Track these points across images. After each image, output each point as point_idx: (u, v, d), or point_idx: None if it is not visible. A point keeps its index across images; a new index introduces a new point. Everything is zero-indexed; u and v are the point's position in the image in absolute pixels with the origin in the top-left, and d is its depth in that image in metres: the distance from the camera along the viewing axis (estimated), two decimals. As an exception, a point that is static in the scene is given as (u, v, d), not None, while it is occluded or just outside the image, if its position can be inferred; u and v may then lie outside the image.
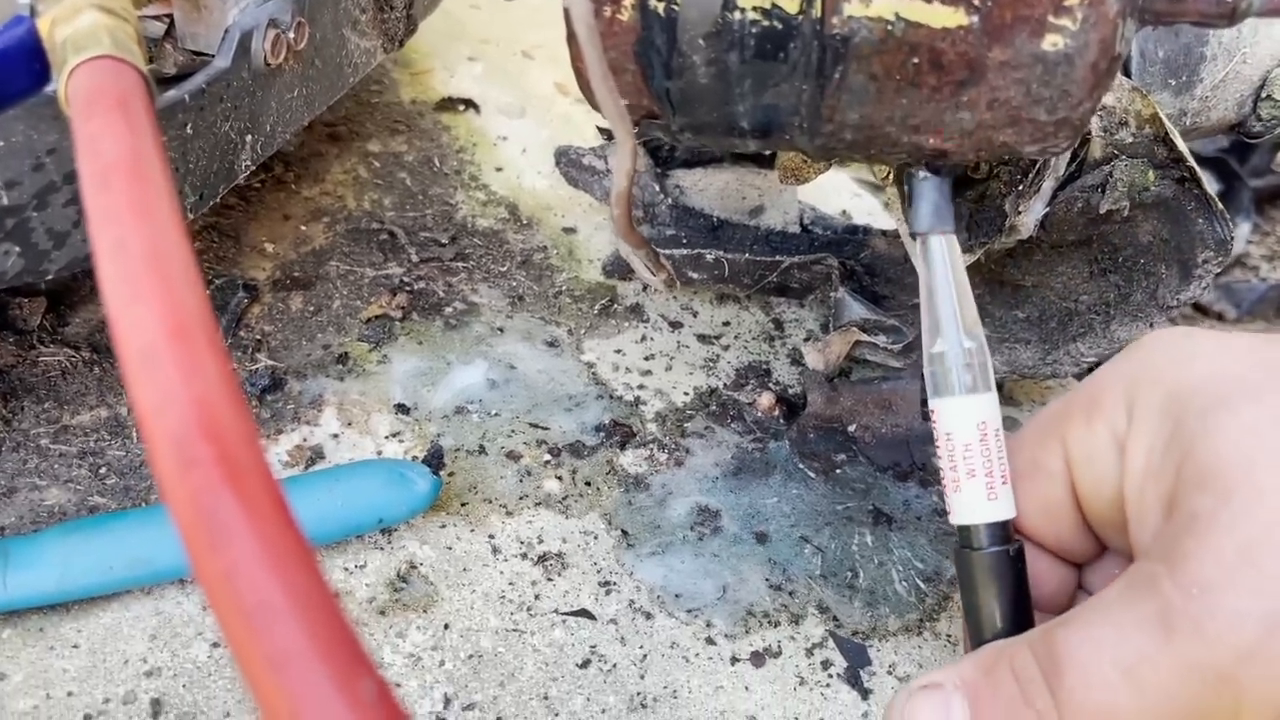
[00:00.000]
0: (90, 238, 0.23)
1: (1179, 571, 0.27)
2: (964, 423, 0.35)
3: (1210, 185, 0.85)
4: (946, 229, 0.37)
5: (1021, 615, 0.35)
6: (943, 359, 0.36)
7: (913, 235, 0.38)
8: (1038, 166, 0.44)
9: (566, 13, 0.33)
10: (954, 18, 0.32)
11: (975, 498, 0.35)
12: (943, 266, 0.36)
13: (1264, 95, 0.49)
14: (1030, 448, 0.35)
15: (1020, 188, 0.44)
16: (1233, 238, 0.44)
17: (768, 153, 0.55)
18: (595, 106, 0.35)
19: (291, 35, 0.47)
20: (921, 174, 0.37)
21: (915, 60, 0.33)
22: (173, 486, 0.18)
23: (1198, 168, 0.43)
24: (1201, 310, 0.80)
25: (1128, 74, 0.47)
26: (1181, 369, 0.31)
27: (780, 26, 0.34)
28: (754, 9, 0.33)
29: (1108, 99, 0.43)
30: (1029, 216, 0.45)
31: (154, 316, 0.20)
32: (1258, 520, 0.26)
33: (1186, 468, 0.29)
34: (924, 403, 0.55)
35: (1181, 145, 0.43)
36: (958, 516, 0.35)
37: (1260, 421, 0.28)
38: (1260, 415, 0.28)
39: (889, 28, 0.33)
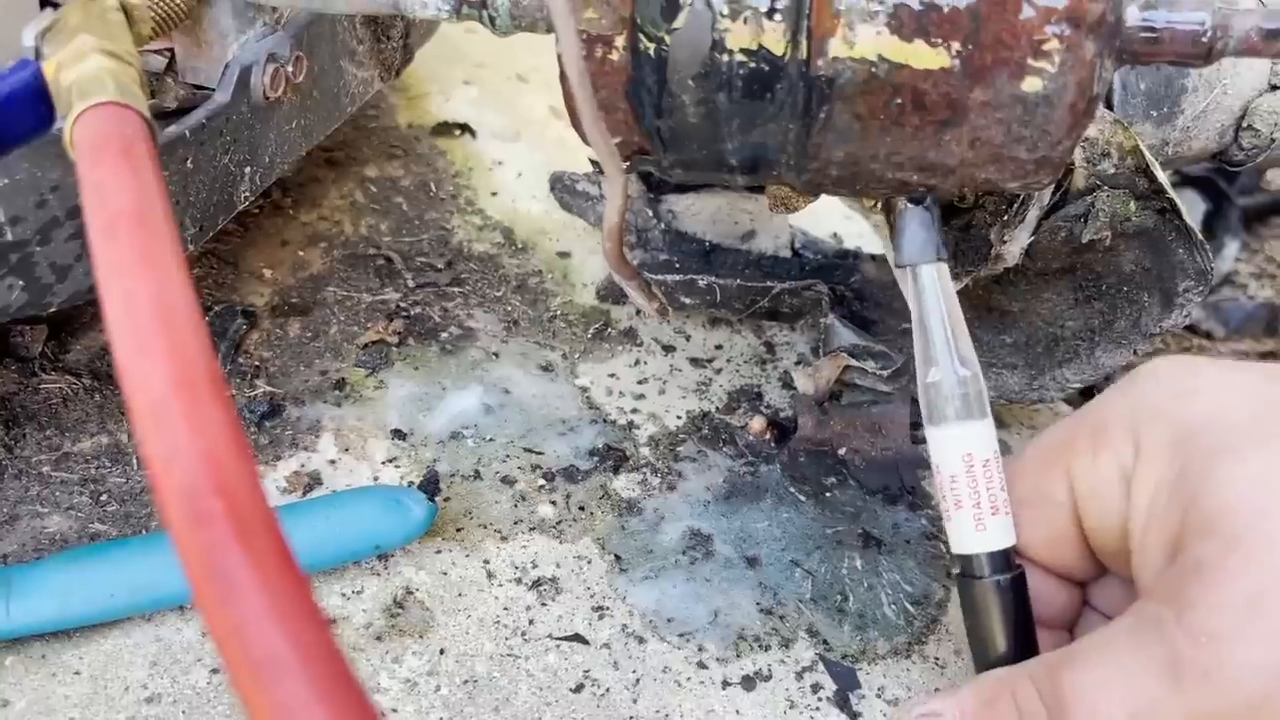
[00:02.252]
0: (98, 288, 0.23)
1: (1186, 618, 0.27)
2: (950, 454, 0.36)
3: (1198, 204, 0.86)
4: (934, 258, 0.38)
5: (1024, 640, 0.35)
6: (938, 388, 0.36)
7: (900, 266, 0.39)
8: (1022, 197, 0.45)
9: (559, 54, 0.34)
10: (936, 59, 0.33)
11: (965, 528, 0.35)
12: (934, 296, 0.37)
13: (1245, 125, 0.50)
14: (1034, 476, 0.35)
15: (1005, 217, 0.45)
16: (1213, 268, 0.45)
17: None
18: (587, 142, 0.36)
19: (290, 69, 0.48)
20: (906, 205, 0.38)
21: (899, 100, 0.34)
22: (184, 541, 0.19)
23: (1177, 199, 0.44)
24: (1190, 329, 0.81)
25: (1110, 106, 0.48)
26: (1186, 405, 0.31)
27: (767, 68, 0.35)
28: (742, 50, 0.34)
29: (1090, 131, 0.44)
30: (1014, 245, 0.46)
31: (161, 369, 0.21)
32: (1266, 569, 0.27)
33: (1192, 513, 0.29)
34: (914, 426, 0.56)
35: (1162, 177, 0.44)
36: (954, 545, 0.36)
37: (1268, 470, 0.28)
38: (1267, 463, 0.28)
39: (873, 69, 0.34)
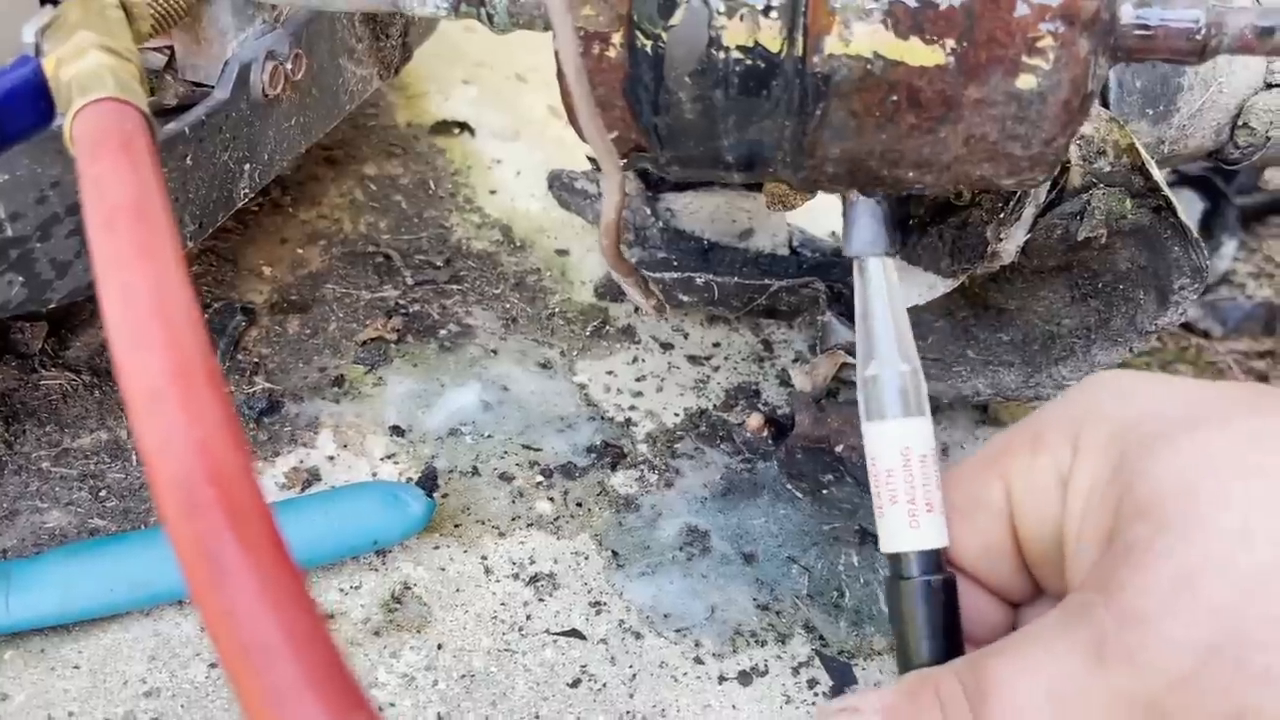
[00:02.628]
0: (96, 280, 0.24)
1: (1114, 600, 0.27)
2: (888, 448, 0.35)
3: (1196, 204, 0.86)
4: (883, 251, 0.37)
5: (951, 647, 0.34)
6: (876, 382, 0.35)
7: (848, 257, 0.38)
8: (1018, 195, 0.45)
9: (556, 51, 0.34)
10: (931, 57, 0.34)
11: (898, 525, 0.35)
12: (879, 289, 0.36)
13: (1241, 123, 0.50)
14: (971, 482, 0.34)
15: (1002, 215, 0.46)
16: (1208, 266, 0.45)
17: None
18: (584, 140, 0.36)
19: (289, 66, 0.48)
20: (856, 197, 0.37)
21: (894, 98, 0.34)
22: (177, 528, 0.19)
23: (1173, 197, 0.44)
24: (1188, 328, 0.81)
25: (1106, 104, 0.48)
26: (1124, 406, 0.31)
27: (763, 65, 0.35)
28: (738, 48, 0.35)
29: (1086, 129, 0.44)
30: (1010, 243, 0.46)
31: (158, 360, 0.21)
32: (1194, 550, 0.27)
33: (1126, 499, 0.29)
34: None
35: (1157, 175, 0.44)
36: (884, 544, 0.35)
37: (1198, 454, 0.28)
38: (1198, 448, 0.28)
39: (869, 66, 0.34)
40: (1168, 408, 0.30)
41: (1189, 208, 0.87)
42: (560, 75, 0.36)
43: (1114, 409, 0.31)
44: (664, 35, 0.35)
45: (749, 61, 0.35)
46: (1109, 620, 0.27)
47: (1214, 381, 0.32)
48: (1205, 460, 0.28)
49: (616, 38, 0.35)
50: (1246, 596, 0.26)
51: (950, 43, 0.33)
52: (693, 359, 0.59)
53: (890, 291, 0.36)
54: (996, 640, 0.33)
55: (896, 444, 0.35)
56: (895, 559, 0.35)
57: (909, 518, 0.34)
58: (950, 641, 0.34)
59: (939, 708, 0.30)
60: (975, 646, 0.34)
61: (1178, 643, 0.26)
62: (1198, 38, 0.34)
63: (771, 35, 0.34)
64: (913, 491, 0.34)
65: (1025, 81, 0.33)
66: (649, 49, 0.35)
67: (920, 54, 0.34)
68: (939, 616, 0.34)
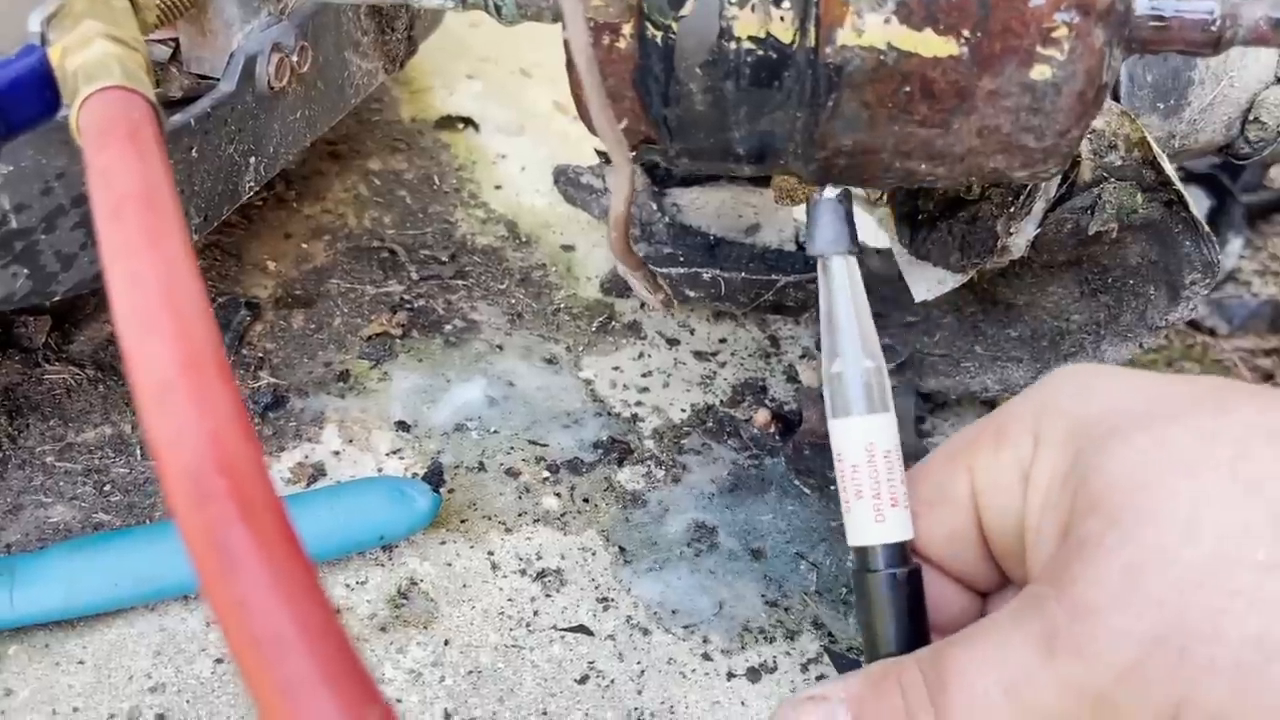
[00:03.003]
0: (104, 269, 0.23)
1: (1065, 594, 0.28)
2: (852, 444, 0.35)
3: (1202, 201, 0.86)
4: (845, 250, 0.37)
5: (917, 637, 0.35)
6: (841, 379, 0.36)
7: (811, 256, 0.38)
8: (1029, 189, 0.45)
9: (566, 42, 0.34)
10: (945, 48, 0.33)
11: (864, 519, 0.35)
12: (843, 287, 0.37)
13: (1252, 118, 0.50)
14: (937, 474, 0.35)
15: (1012, 209, 0.45)
16: (1219, 260, 0.45)
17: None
18: (593, 132, 0.36)
19: (295, 59, 0.48)
20: (819, 196, 0.38)
21: (907, 89, 0.34)
22: (187, 519, 0.19)
23: (1185, 191, 0.44)
24: (1194, 325, 0.81)
25: (1117, 98, 0.47)
26: (1085, 401, 0.31)
27: (775, 55, 0.34)
28: (749, 38, 0.34)
29: (1097, 123, 0.44)
30: (1020, 238, 0.46)
31: (167, 350, 0.21)
32: (1142, 543, 0.27)
33: (1080, 494, 0.29)
34: (919, 419, 0.56)
35: (1169, 169, 0.44)
36: (851, 537, 0.36)
37: (1150, 449, 0.28)
38: (1150, 443, 0.29)
39: (881, 57, 0.34)
40: (1126, 403, 0.31)
41: (1195, 205, 0.87)
42: (570, 66, 0.36)
43: (1074, 404, 0.32)
44: (674, 26, 0.34)
45: (760, 52, 0.34)
46: (1060, 613, 0.28)
47: (1180, 375, 0.32)
48: (1156, 455, 0.28)
49: (627, 28, 0.35)
50: (1191, 589, 0.26)
51: (964, 33, 0.33)
52: (699, 355, 0.59)
53: (854, 289, 0.37)
54: (961, 628, 0.34)
55: (861, 440, 0.35)
56: (862, 552, 0.35)
57: (874, 512, 0.35)
58: (916, 631, 0.35)
59: (900, 695, 0.31)
60: (944, 634, 0.35)
61: (1124, 634, 0.27)
62: (1213, 29, 0.34)
63: (783, 26, 0.34)
64: (878, 486, 0.35)
65: (1040, 72, 0.33)
66: (659, 40, 0.35)
67: (934, 45, 0.33)
68: (904, 607, 0.35)
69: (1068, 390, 0.32)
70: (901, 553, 0.35)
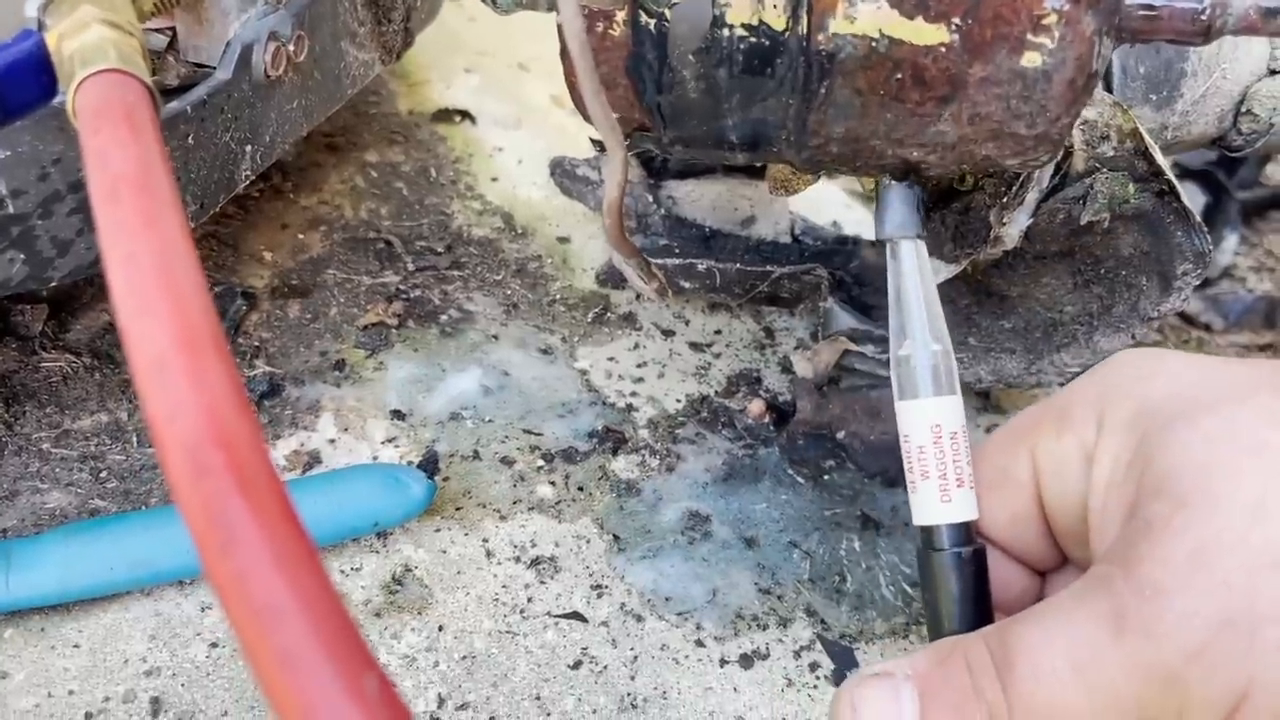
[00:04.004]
0: (101, 249, 0.24)
1: (1133, 573, 0.28)
2: (919, 425, 0.36)
3: (1197, 198, 0.86)
4: (914, 234, 0.38)
5: (981, 616, 0.35)
6: (908, 362, 0.36)
7: (880, 240, 0.39)
8: (1021, 179, 0.45)
9: (560, 29, 0.34)
10: (936, 35, 0.34)
11: (930, 499, 0.36)
12: (911, 271, 0.37)
13: (1244, 110, 0.50)
14: (999, 455, 0.35)
15: (1005, 199, 0.45)
16: (1210, 250, 0.45)
17: (758, 164, 0.56)
18: (588, 119, 0.36)
19: (291, 48, 0.48)
20: (889, 181, 0.38)
21: (899, 76, 0.34)
22: (185, 493, 0.19)
23: (1176, 181, 0.44)
24: (1189, 321, 0.81)
25: (1109, 89, 0.48)
26: (1149, 384, 0.32)
27: (768, 43, 0.35)
28: (742, 26, 0.34)
29: (1089, 113, 0.44)
30: (1013, 228, 0.46)
31: (164, 327, 0.21)
32: (1210, 525, 0.27)
33: (1147, 477, 0.30)
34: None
35: (1161, 159, 0.44)
36: (917, 517, 0.36)
37: (1217, 432, 0.29)
38: (1217, 426, 0.29)
39: (873, 44, 0.34)
40: (1190, 386, 0.31)
41: (1191, 201, 0.87)
42: (564, 54, 0.36)
43: (1137, 387, 0.32)
44: (668, 13, 0.35)
45: (753, 40, 0.35)
46: (1128, 592, 0.28)
47: (1239, 359, 0.32)
48: (1223, 437, 0.29)
49: (620, 15, 0.35)
50: (1260, 570, 0.27)
51: (955, 20, 0.33)
52: (694, 345, 0.59)
53: (922, 273, 0.37)
54: (1022, 606, 0.34)
55: (928, 421, 0.36)
56: (927, 531, 0.36)
57: (940, 493, 0.35)
58: (979, 610, 0.35)
59: (968, 673, 0.31)
60: (1003, 613, 0.35)
61: (1193, 615, 0.27)
62: (1202, 18, 0.34)
63: (776, 13, 0.34)
64: (944, 467, 0.35)
65: (1030, 60, 0.33)
66: (653, 27, 0.35)
67: (925, 32, 0.33)
68: (969, 586, 0.35)
69: (1130, 374, 0.33)
70: (966, 532, 0.35)
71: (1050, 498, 0.34)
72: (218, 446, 0.20)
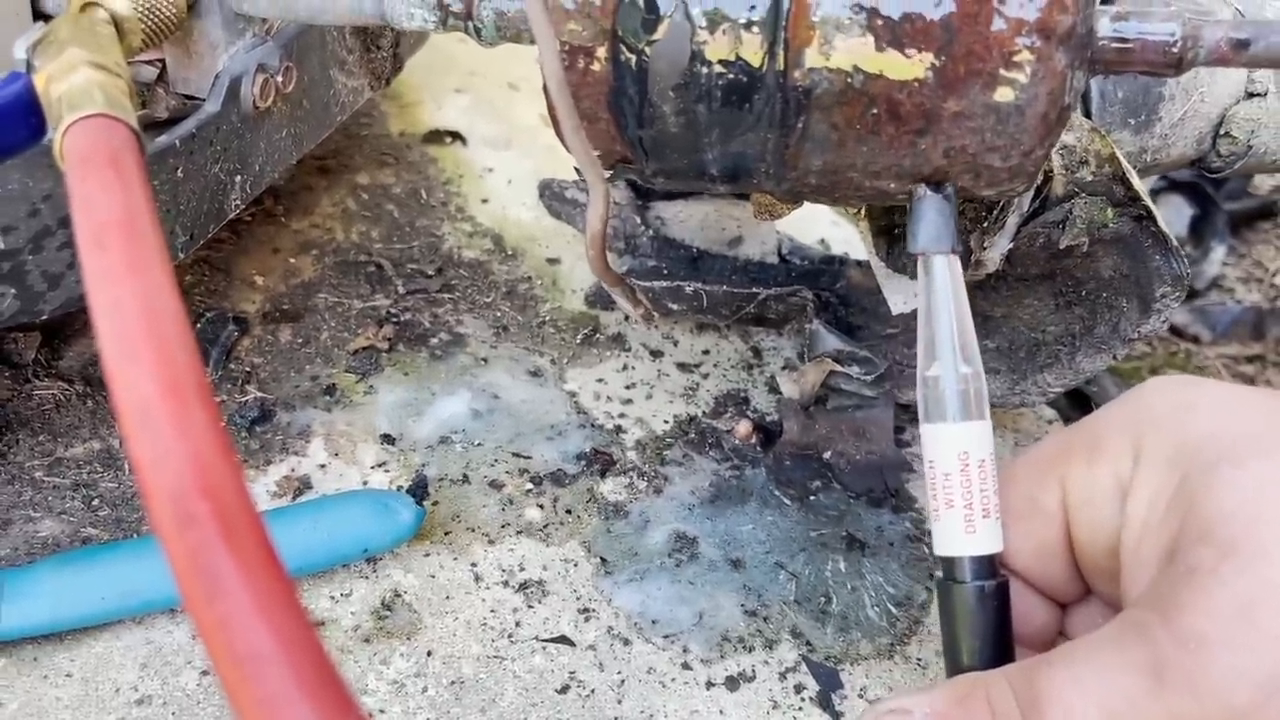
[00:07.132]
0: (88, 296, 0.24)
1: (1174, 622, 0.27)
2: (946, 452, 0.34)
3: (1185, 209, 0.86)
4: (946, 249, 0.36)
5: (1003, 652, 0.34)
6: (936, 384, 0.35)
7: (912, 254, 0.38)
8: (1001, 204, 0.45)
9: (540, 66, 0.35)
10: (911, 70, 0.34)
11: (953, 529, 0.34)
12: (944, 287, 0.35)
13: (1223, 132, 0.51)
14: (1026, 484, 0.34)
15: (985, 224, 0.46)
16: (1189, 274, 0.46)
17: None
18: (569, 151, 0.37)
19: (280, 79, 0.48)
20: (925, 191, 0.37)
21: (874, 111, 0.35)
22: (171, 542, 0.20)
23: (1154, 206, 0.45)
24: (1177, 333, 0.81)
25: (1088, 114, 0.48)
26: (1189, 417, 0.30)
27: (745, 79, 0.35)
28: (720, 62, 0.35)
29: (1068, 138, 0.45)
30: (994, 251, 0.47)
31: (149, 376, 0.22)
32: (1260, 577, 0.26)
33: (1189, 520, 0.28)
34: (898, 430, 0.57)
35: (1138, 184, 0.44)
36: (938, 547, 0.35)
37: (1267, 479, 0.28)
38: (1268, 472, 0.28)
39: (849, 80, 0.34)
40: (1236, 424, 0.30)
41: (1178, 213, 0.87)
42: (546, 89, 0.36)
43: (1176, 419, 0.31)
44: (647, 50, 0.35)
45: (731, 75, 0.35)
46: (1168, 643, 0.27)
47: (1277, 392, 0.31)
48: (1273, 483, 0.28)
49: (601, 51, 0.36)
50: None
51: (929, 57, 0.34)
52: (682, 366, 0.60)
53: (955, 290, 0.35)
54: (1042, 640, 0.33)
55: (955, 448, 0.34)
56: (949, 562, 0.34)
57: (965, 523, 0.34)
58: (1001, 646, 0.34)
59: (989, 713, 0.30)
60: (1022, 646, 0.34)
61: (1241, 672, 0.26)
62: (1174, 50, 0.35)
63: (753, 49, 0.35)
64: (970, 497, 0.34)
65: (1003, 94, 0.34)
66: (633, 63, 0.36)
67: (900, 67, 0.34)
68: (991, 621, 0.34)
69: (1168, 403, 0.31)
70: (990, 565, 0.34)
71: (1080, 530, 0.33)
72: (203, 496, 0.20)
